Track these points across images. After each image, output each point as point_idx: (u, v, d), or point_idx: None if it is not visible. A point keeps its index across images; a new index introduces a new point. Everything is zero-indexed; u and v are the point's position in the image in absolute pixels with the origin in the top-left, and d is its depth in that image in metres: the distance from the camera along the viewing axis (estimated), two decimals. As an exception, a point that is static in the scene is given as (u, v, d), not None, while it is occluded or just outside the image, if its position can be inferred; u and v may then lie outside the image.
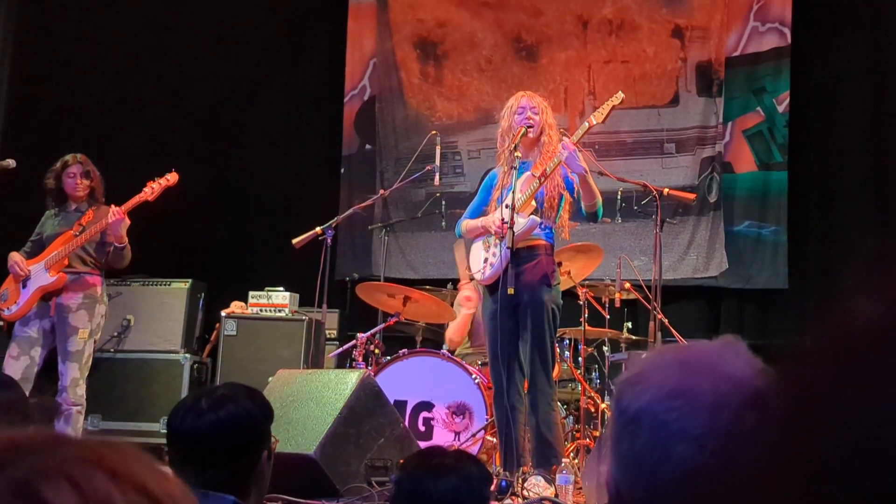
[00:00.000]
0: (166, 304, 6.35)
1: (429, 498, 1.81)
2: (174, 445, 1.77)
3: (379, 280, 5.61)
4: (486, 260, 4.07)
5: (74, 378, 4.74)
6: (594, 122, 4.07)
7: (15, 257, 4.85)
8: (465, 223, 4.24)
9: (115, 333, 6.25)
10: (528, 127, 3.98)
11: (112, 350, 6.24)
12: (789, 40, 6.65)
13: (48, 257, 4.84)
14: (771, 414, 0.53)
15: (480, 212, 4.24)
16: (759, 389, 0.88)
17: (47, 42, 7.12)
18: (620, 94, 4.11)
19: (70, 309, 4.80)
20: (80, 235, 4.83)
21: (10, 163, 4.81)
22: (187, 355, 6.20)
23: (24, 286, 4.84)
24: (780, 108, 6.67)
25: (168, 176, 5.03)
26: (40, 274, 4.83)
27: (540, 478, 3.77)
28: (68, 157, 4.98)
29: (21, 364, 4.70)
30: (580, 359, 5.20)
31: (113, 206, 4.86)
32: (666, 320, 4.68)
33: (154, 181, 4.98)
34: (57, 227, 4.93)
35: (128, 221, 4.84)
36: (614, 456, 0.92)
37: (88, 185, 4.95)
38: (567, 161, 3.84)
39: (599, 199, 4.01)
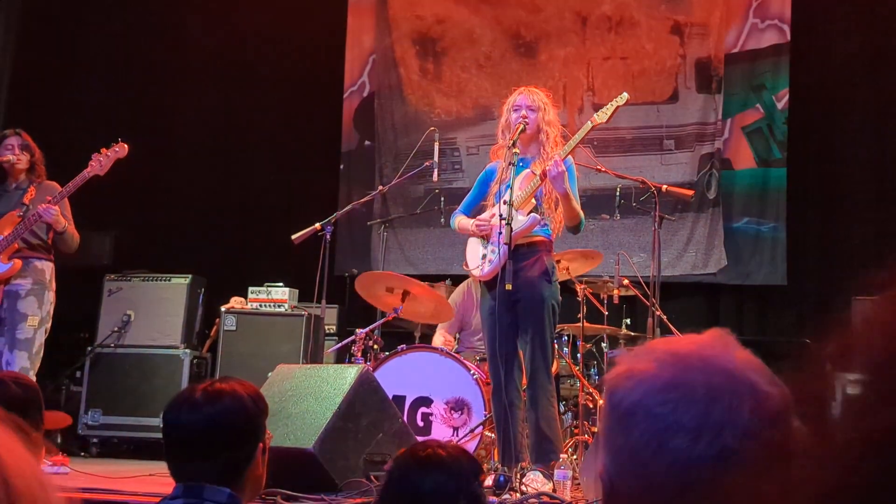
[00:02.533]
0: (166, 300, 6.37)
1: (417, 491, 1.82)
2: (170, 439, 1.78)
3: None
4: (484, 256, 4.07)
5: (23, 368, 4.44)
6: (598, 122, 4.07)
7: None
8: (458, 220, 4.24)
9: (116, 328, 6.27)
10: (525, 125, 3.99)
11: (112, 345, 6.26)
12: (789, 37, 6.66)
13: None
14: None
15: (476, 206, 4.24)
16: (752, 381, 0.89)
17: (50, 36, 7.12)
18: (625, 95, 4.10)
19: (19, 295, 4.54)
20: (25, 216, 4.53)
21: (11, 158, 4.72)
22: (187, 350, 6.22)
23: None
24: (780, 105, 6.67)
25: (116, 147, 4.74)
26: None
27: (538, 473, 3.78)
28: (6, 131, 4.74)
29: None
30: (578, 355, 5.22)
31: (64, 184, 4.59)
32: (664, 317, 4.69)
33: (100, 153, 4.69)
34: None
35: (54, 209, 4.53)
36: (608, 450, 0.93)
37: (28, 160, 4.69)
38: (552, 179, 3.85)
39: (581, 216, 4.01)
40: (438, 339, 5.32)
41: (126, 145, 4.78)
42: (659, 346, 0.97)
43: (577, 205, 3.96)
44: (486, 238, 4.05)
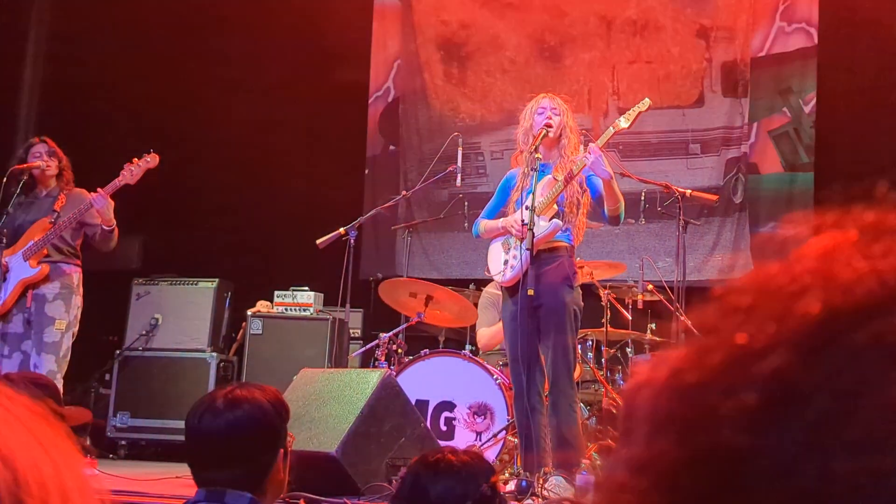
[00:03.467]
0: (193, 304, 6.44)
1: (426, 496, 1.82)
2: (192, 444, 1.80)
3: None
4: (506, 262, 4.07)
5: (51, 371, 4.49)
6: (620, 127, 4.07)
7: None
8: (484, 223, 4.25)
9: (144, 332, 6.35)
10: (548, 127, 3.98)
11: (140, 348, 6.34)
12: (816, 41, 6.59)
13: (26, 247, 4.59)
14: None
15: (498, 212, 4.25)
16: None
17: (79, 47, 7.24)
18: (647, 101, 4.11)
19: (46, 299, 4.60)
20: (56, 222, 4.60)
21: (41, 165, 4.79)
22: (214, 354, 6.28)
23: (4, 279, 4.57)
24: (807, 109, 6.61)
25: (147, 157, 4.80)
26: (20, 265, 4.59)
27: (560, 478, 3.78)
28: (32, 140, 4.82)
29: (14, 362, 4.56)
30: (602, 360, 5.20)
31: (92, 191, 4.65)
32: (689, 322, 4.65)
33: (131, 163, 4.76)
34: (30, 215, 4.69)
35: (112, 203, 4.62)
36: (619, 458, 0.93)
37: (57, 166, 4.75)
38: (592, 165, 3.84)
39: (622, 203, 4.01)
40: (486, 334, 5.27)
41: (157, 156, 4.84)
42: (675, 355, 0.97)
43: (618, 191, 3.95)
44: (518, 237, 4.00)
